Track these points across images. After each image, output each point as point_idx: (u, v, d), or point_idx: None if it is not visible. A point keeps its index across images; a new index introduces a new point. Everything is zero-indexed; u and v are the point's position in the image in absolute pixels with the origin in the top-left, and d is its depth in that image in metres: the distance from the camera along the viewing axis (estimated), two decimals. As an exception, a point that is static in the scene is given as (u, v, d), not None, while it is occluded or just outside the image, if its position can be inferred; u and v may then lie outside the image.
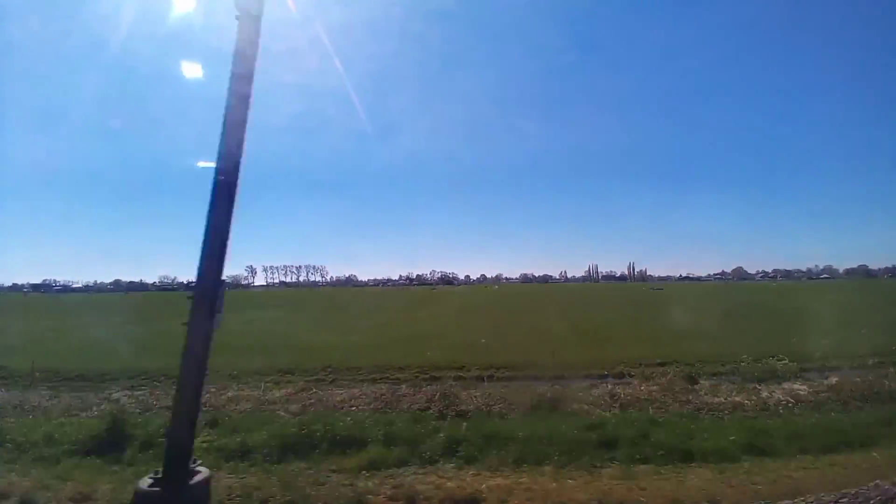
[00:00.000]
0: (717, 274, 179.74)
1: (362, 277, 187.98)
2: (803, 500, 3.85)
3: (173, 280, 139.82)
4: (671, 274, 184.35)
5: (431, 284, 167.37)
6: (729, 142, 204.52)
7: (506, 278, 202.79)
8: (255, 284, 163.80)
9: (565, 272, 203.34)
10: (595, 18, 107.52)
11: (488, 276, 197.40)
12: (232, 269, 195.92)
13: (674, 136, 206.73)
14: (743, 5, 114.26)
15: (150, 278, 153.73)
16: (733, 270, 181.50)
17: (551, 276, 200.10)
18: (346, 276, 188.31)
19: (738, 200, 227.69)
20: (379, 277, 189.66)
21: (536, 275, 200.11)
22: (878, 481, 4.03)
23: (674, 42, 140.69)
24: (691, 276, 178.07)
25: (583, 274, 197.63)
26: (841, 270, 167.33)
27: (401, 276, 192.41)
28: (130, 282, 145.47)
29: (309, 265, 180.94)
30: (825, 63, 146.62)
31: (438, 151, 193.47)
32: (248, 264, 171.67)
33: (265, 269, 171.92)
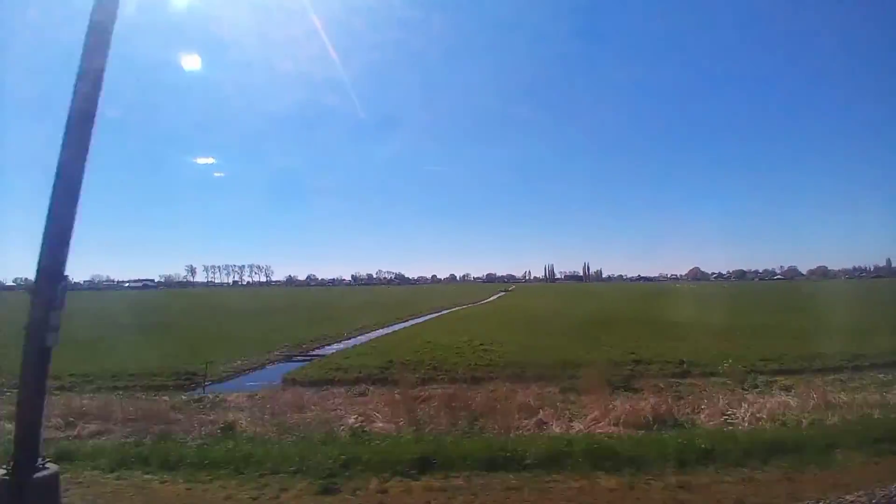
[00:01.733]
0: (672, 275, 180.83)
1: (319, 276, 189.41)
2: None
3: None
4: (626, 273, 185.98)
5: (385, 283, 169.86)
6: (686, 142, 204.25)
7: (475, 278, 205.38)
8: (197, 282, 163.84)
9: (529, 272, 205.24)
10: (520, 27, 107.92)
11: (440, 276, 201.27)
12: (168, 267, 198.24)
13: (628, 138, 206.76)
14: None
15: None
16: (690, 271, 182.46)
17: (514, 276, 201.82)
18: (307, 275, 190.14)
19: (695, 201, 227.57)
20: (331, 277, 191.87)
21: (499, 274, 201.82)
22: None
23: (636, 44, 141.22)
24: (645, 276, 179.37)
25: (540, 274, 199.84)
26: (804, 272, 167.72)
27: (353, 275, 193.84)
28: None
29: (253, 264, 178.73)
30: (761, 64, 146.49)
31: (401, 153, 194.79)
32: (188, 263, 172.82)
33: (206, 269, 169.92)
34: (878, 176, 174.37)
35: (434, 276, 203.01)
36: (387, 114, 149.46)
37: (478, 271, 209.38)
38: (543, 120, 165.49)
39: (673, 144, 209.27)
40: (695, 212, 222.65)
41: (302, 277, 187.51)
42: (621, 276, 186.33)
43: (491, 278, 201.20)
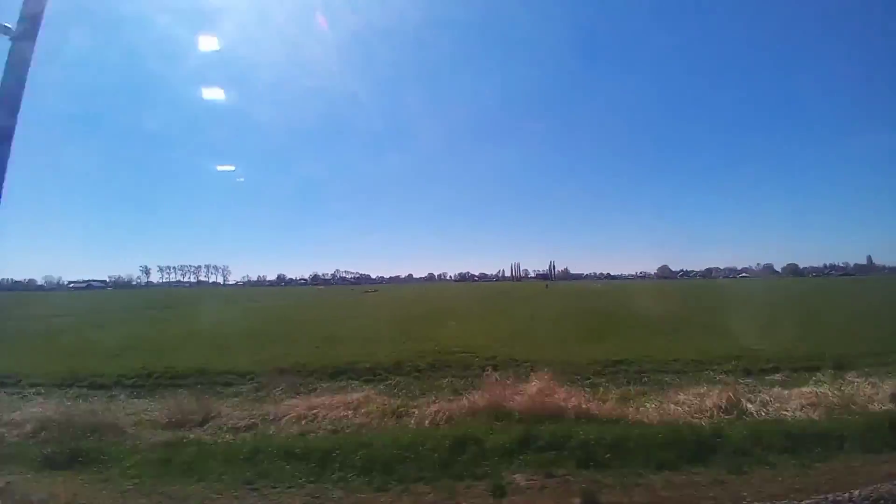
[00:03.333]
0: (640, 273, 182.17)
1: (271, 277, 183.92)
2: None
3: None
4: (594, 272, 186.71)
5: (349, 283, 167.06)
6: (652, 144, 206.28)
7: (450, 276, 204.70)
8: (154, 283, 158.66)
9: (503, 271, 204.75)
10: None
11: (401, 275, 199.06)
12: (119, 268, 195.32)
13: (605, 141, 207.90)
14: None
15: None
16: (659, 268, 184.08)
17: (486, 275, 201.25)
18: (278, 275, 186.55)
19: (664, 199, 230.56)
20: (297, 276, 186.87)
21: (470, 273, 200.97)
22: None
23: (622, 53, 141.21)
24: (613, 274, 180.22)
25: (507, 273, 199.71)
26: (779, 269, 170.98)
27: (313, 274, 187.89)
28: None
29: (210, 265, 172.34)
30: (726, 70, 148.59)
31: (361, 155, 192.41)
32: (142, 264, 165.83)
33: (160, 269, 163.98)
34: (852, 174, 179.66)
35: (410, 275, 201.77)
36: (343, 115, 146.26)
37: (452, 270, 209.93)
38: (522, 123, 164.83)
39: (646, 146, 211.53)
40: (665, 211, 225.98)
41: (255, 277, 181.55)
42: (593, 273, 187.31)
43: (464, 277, 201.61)
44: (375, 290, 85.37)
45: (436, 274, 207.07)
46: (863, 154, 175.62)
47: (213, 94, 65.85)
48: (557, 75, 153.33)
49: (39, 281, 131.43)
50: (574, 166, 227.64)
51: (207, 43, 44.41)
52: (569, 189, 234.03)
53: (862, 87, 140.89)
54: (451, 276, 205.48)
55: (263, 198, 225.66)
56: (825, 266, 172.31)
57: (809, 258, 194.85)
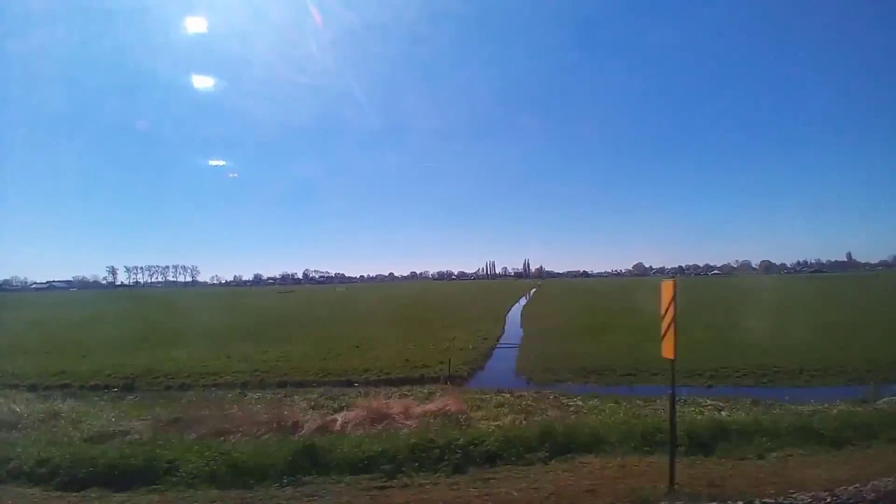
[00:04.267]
0: (616, 270, 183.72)
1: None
2: None
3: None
4: (571, 270, 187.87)
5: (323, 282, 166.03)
6: (627, 144, 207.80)
7: (431, 275, 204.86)
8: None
9: (482, 269, 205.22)
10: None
11: (384, 274, 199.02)
12: (87, 269, 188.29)
13: (575, 141, 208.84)
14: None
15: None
16: (634, 266, 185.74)
17: (466, 273, 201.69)
18: (254, 275, 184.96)
19: (638, 198, 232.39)
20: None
21: (453, 271, 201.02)
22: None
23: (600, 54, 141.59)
24: (588, 272, 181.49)
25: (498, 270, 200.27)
26: (755, 265, 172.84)
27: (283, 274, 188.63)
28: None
29: (178, 265, 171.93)
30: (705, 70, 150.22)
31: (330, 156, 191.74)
32: (109, 265, 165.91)
33: (128, 270, 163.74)
34: (822, 174, 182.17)
35: (391, 274, 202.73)
36: (322, 112, 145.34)
37: (436, 268, 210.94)
38: (505, 121, 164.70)
39: (621, 146, 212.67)
40: (640, 210, 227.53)
41: (229, 277, 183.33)
42: (571, 271, 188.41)
43: (443, 275, 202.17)
44: (292, 291, 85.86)
45: (418, 272, 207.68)
46: (839, 154, 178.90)
47: (202, 82, 65.14)
48: (551, 75, 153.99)
49: (11, 281, 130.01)
50: (553, 167, 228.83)
51: (195, 25, 43.89)
52: (548, 189, 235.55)
53: (842, 86, 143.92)
54: (431, 275, 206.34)
55: (242, 196, 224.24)
56: (798, 263, 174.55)
57: (783, 256, 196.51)
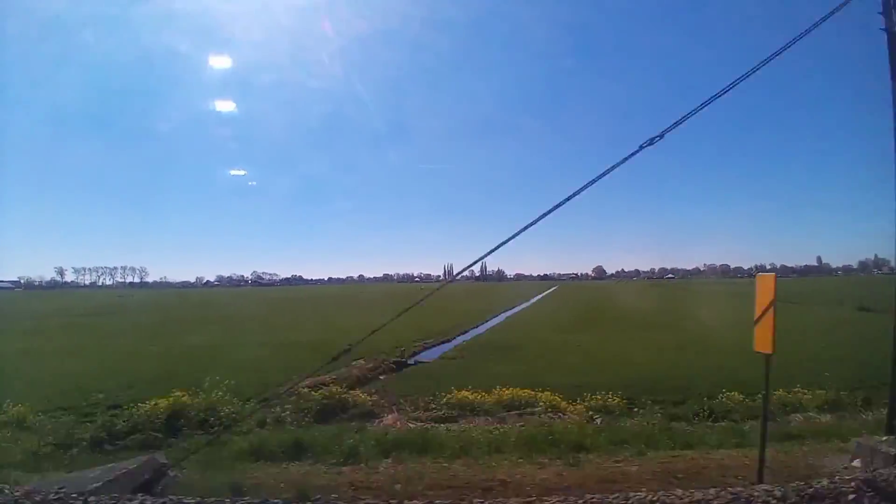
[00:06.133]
0: (572, 273, 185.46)
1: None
2: None
3: None
4: (532, 273, 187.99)
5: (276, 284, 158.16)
6: (583, 145, 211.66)
7: (421, 278, 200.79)
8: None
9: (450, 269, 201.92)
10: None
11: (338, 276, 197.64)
12: (32, 269, 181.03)
13: (536, 144, 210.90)
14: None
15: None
16: (594, 269, 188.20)
17: (430, 276, 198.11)
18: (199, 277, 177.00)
19: (599, 201, 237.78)
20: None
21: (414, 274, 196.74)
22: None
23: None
24: (549, 275, 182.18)
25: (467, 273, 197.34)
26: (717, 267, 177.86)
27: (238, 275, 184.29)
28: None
29: (126, 266, 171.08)
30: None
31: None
32: (57, 265, 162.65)
33: (76, 271, 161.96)
34: (794, 177, 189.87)
35: (362, 276, 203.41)
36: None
37: (402, 270, 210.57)
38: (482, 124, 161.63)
39: (578, 148, 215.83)
40: (601, 213, 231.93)
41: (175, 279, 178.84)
42: (529, 275, 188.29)
43: (407, 278, 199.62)
44: (131, 295, 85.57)
45: (392, 274, 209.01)
46: (810, 157, 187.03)
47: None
48: (538, 83, 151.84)
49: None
50: (519, 172, 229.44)
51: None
52: (510, 192, 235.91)
53: (818, 91, 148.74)
54: (395, 277, 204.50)
55: (195, 198, 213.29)
56: (755, 267, 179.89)
57: (742, 260, 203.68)
